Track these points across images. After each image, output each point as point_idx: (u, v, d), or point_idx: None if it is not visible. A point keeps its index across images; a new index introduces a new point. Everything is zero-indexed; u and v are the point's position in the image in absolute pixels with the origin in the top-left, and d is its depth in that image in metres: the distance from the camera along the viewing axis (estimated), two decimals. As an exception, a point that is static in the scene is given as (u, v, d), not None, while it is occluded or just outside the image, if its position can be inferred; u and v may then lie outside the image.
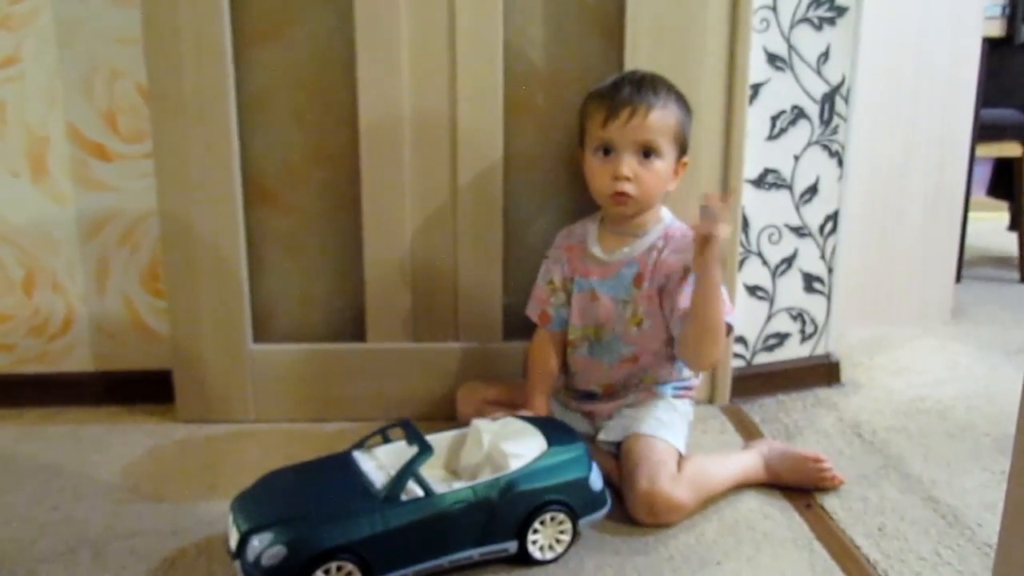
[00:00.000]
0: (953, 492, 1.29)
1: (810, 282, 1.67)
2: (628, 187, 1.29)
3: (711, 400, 1.61)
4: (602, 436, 1.33)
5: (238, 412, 1.53)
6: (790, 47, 1.55)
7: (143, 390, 1.59)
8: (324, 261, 1.55)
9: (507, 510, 1.07)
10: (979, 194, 2.73)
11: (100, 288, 1.59)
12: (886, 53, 1.90)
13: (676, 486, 1.20)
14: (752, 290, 1.64)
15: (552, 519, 1.10)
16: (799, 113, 1.58)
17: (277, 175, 1.51)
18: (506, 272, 1.53)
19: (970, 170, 2.20)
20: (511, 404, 1.37)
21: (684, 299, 1.28)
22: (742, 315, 1.59)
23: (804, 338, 1.70)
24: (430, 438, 1.11)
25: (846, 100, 1.59)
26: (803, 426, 1.52)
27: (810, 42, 1.56)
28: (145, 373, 1.60)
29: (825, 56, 1.57)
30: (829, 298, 1.69)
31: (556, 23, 1.48)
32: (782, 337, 1.68)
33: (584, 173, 1.35)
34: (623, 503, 1.22)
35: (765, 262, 1.63)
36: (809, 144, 1.60)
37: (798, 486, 1.29)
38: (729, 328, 1.32)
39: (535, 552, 1.10)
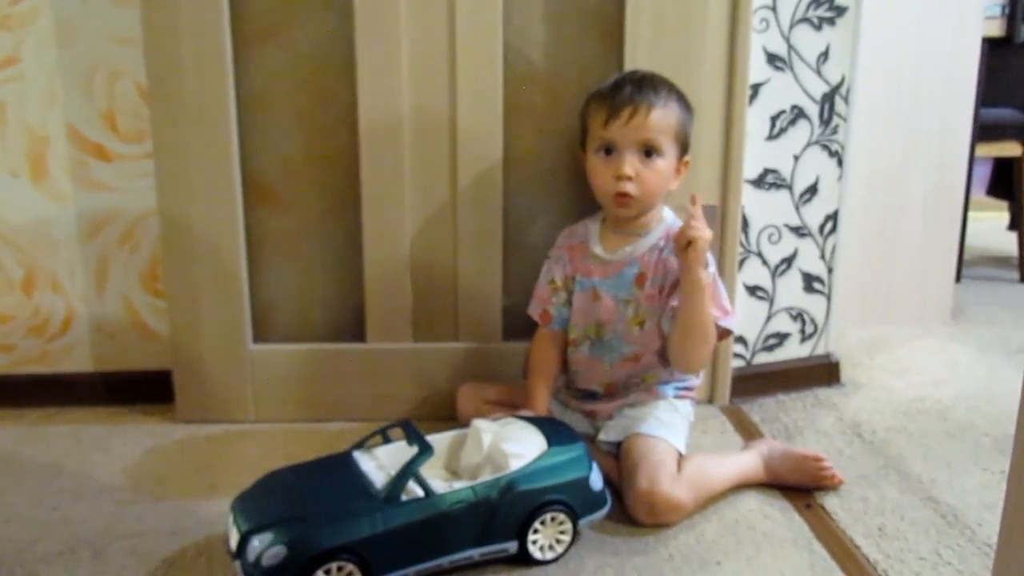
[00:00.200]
0: (953, 492, 1.29)
1: (810, 282, 1.67)
2: (630, 187, 1.29)
3: (711, 400, 1.61)
4: (602, 436, 1.33)
5: (238, 412, 1.53)
6: (790, 47, 1.55)
7: (143, 390, 1.59)
8: (324, 261, 1.55)
9: (507, 510, 1.07)
10: (979, 194, 2.73)
11: (100, 288, 1.59)
12: (886, 53, 1.90)
13: (676, 486, 1.20)
14: (752, 290, 1.64)
15: (552, 519, 1.10)
16: (799, 113, 1.58)
17: (277, 175, 1.51)
18: (506, 272, 1.53)
19: (970, 170, 2.20)
20: (511, 404, 1.37)
21: (676, 298, 1.29)
22: (742, 315, 1.59)
23: (804, 338, 1.70)
24: (430, 438, 1.11)
25: (846, 100, 1.59)
26: (803, 426, 1.52)
27: (810, 42, 1.56)
28: (145, 373, 1.60)
29: (825, 56, 1.57)
30: (829, 298, 1.69)
31: (556, 23, 1.48)
32: (782, 337, 1.68)
33: (586, 174, 1.35)
34: (623, 503, 1.22)
35: (765, 262, 1.63)
36: (809, 144, 1.60)
37: (798, 486, 1.29)
38: (728, 332, 1.33)
39: (535, 552, 1.10)
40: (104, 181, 1.55)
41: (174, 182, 1.45)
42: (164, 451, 1.44)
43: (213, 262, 1.48)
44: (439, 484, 1.08)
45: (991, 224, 2.92)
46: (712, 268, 1.28)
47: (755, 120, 1.54)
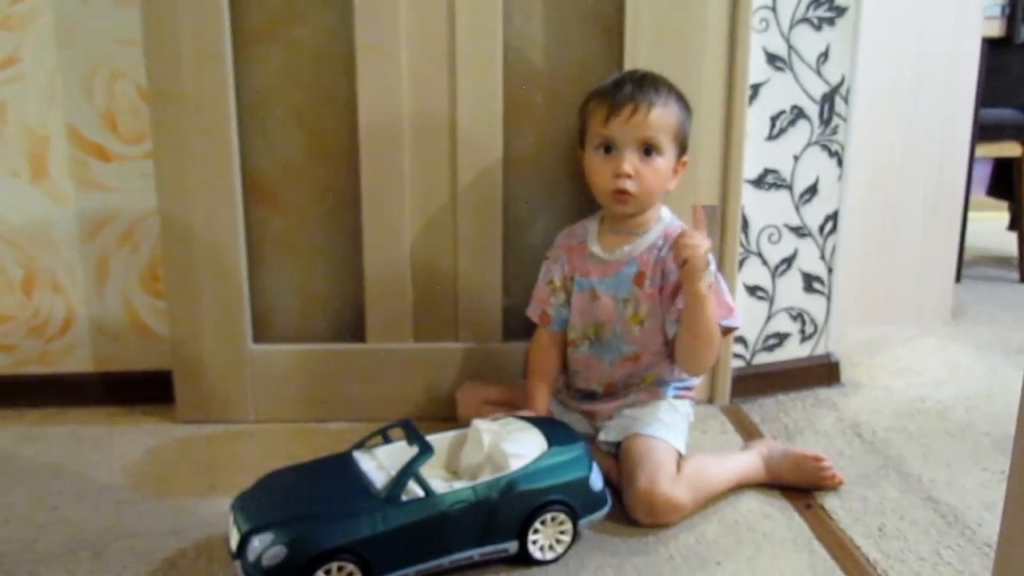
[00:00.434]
0: (953, 492, 1.29)
1: (810, 282, 1.67)
2: (629, 184, 1.29)
3: (711, 400, 1.61)
4: (602, 436, 1.33)
5: (238, 412, 1.53)
6: (790, 47, 1.55)
7: (143, 390, 1.59)
8: (324, 261, 1.55)
9: (507, 510, 1.07)
10: (979, 194, 2.73)
11: (100, 288, 1.59)
12: (886, 53, 1.90)
13: (676, 486, 1.20)
14: (752, 290, 1.64)
15: (552, 519, 1.10)
16: (799, 113, 1.58)
17: (277, 175, 1.51)
18: (506, 272, 1.53)
19: (970, 170, 2.20)
20: (511, 404, 1.37)
21: (680, 300, 1.29)
22: (742, 315, 1.59)
23: (804, 338, 1.70)
24: (430, 438, 1.11)
25: (846, 100, 1.59)
26: (803, 426, 1.52)
27: (810, 42, 1.56)
28: (145, 373, 1.60)
29: (825, 56, 1.57)
30: (829, 298, 1.69)
31: (556, 23, 1.48)
32: (782, 337, 1.68)
33: (584, 172, 1.35)
34: (623, 503, 1.22)
35: (765, 262, 1.63)
36: (809, 144, 1.60)
37: (798, 486, 1.29)
38: (730, 329, 1.33)
39: (535, 552, 1.10)
40: (104, 181, 1.55)
41: (174, 182, 1.45)
42: (164, 451, 1.44)
43: (213, 262, 1.48)
44: (439, 484, 1.08)
45: (991, 224, 2.92)
46: (713, 267, 1.28)
47: (755, 120, 1.54)
